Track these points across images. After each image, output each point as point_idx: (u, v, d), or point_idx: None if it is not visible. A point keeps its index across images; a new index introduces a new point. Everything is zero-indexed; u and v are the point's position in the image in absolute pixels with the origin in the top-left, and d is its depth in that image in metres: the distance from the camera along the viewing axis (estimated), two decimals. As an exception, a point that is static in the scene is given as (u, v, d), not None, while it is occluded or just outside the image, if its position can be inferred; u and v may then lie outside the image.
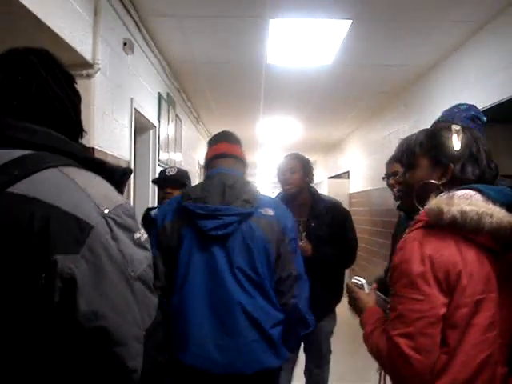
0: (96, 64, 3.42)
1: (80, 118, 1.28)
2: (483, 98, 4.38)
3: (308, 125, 9.28)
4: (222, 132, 2.63)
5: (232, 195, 2.26)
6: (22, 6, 2.37)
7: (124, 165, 3.83)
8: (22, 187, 1.00)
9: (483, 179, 1.59)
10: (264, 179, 26.03)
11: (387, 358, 1.46)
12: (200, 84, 6.66)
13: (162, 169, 3.73)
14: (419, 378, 1.40)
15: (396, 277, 1.50)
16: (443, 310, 1.42)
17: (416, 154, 1.68)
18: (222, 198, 2.25)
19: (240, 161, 2.51)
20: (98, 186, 1.10)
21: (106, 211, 1.05)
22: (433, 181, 1.61)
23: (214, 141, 2.57)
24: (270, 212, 2.31)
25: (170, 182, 3.37)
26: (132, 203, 4.39)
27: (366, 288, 1.88)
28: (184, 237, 2.25)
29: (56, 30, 2.75)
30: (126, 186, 3.91)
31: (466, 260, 1.45)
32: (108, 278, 1.00)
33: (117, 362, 1.00)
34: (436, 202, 1.49)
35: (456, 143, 1.61)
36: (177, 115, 6.83)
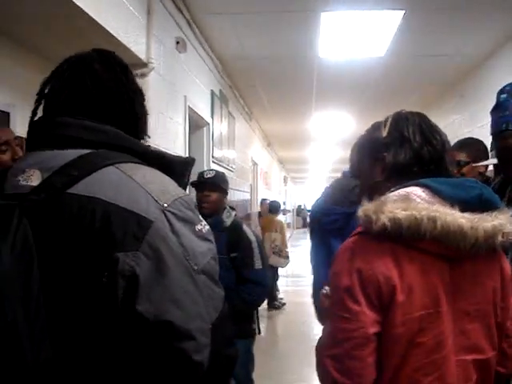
0: (150, 63, 3.47)
1: (140, 115, 1.27)
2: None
3: (361, 118, 9.16)
4: None
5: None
6: (77, 7, 2.44)
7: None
8: (81, 187, 1.02)
9: (422, 160, 1.39)
10: (317, 174, 25.94)
11: (320, 378, 1.31)
12: (252, 80, 6.68)
13: (204, 170, 3.72)
14: None
15: (330, 290, 1.36)
16: (374, 329, 1.24)
17: (358, 160, 1.60)
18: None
19: None
20: (156, 181, 1.10)
21: (165, 205, 1.04)
22: (377, 179, 1.44)
23: None
24: None
25: (209, 184, 3.36)
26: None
27: None
28: None
29: (111, 31, 2.82)
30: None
31: (405, 272, 1.25)
32: (170, 273, 1.00)
33: (182, 355, 1.00)
34: (364, 209, 1.29)
35: (385, 130, 1.46)
36: (229, 112, 6.87)
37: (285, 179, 22.52)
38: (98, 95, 1.18)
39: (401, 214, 1.22)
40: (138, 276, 0.97)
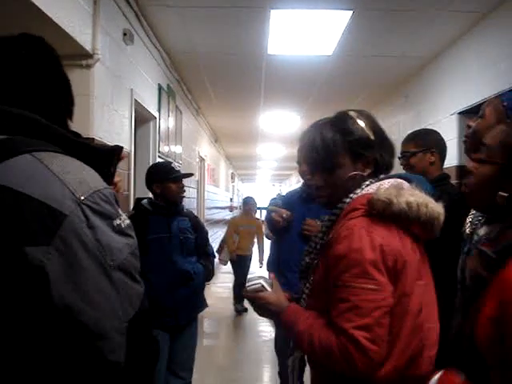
0: (95, 54, 3.39)
1: (67, 103, 1.23)
2: (485, 89, 4.37)
3: (308, 116, 9.23)
4: None
5: None
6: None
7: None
8: None
9: (394, 158, 1.71)
10: (264, 172, 26.01)
11: (340, 353, 1.38)
12: (200, 75, 6.63)
13: (164, 163, 3.96)
14: (372, 369, 1.37)
15: (343, 266, 1.43)
16: (393, 299, 1.41)
17: (337, 155, 1.63)
18: None
19: None
20: (74, 172, 1.03)
21: (82, 198, 0.98)
22: (360, 172, 1.63)
23: None
24: None
25: (181, 177, 3.62)
26: (132, 195, 4.38)
27: (267, 286, 1.68)
28: None
29: (55, 20, 2.73)
30: (126, 178, 3.84)
31: (407, 249, 1.47)
32: (83, 270, 0.95)
33: (97, 355, 0.96)
34: (385, 193, 1.47)
35: (369, 132, 1.63)
36: (177, 107, 6.80)
37: (232, 176, 22.51)
38: (18, 80, 1.12)
39: (411, 198, 1.46)
40: (47, 273, 0.92)
